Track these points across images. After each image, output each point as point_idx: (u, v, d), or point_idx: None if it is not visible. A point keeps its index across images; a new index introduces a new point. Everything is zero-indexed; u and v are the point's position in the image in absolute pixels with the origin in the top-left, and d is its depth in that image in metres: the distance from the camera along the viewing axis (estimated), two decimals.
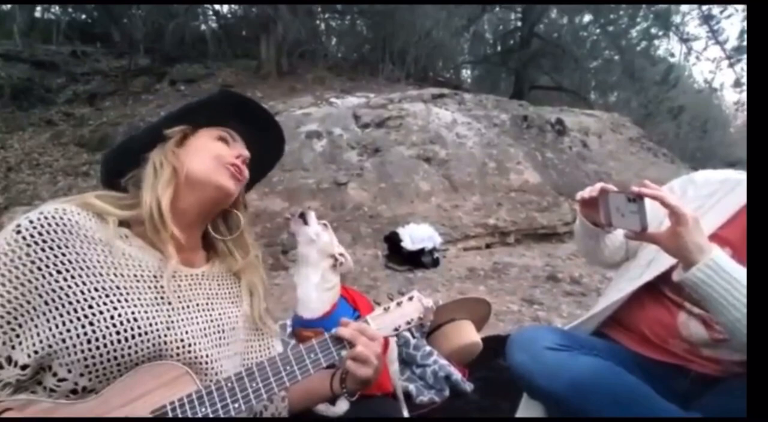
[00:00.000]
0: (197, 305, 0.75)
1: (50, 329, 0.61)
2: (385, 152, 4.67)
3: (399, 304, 0.80)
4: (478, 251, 4.20)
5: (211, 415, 0.62)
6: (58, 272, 0.63)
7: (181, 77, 6.98)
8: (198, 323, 0.73)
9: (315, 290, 1.21)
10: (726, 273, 0.80)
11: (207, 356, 0.71)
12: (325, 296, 1.22)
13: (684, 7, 9.51)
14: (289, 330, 1.54)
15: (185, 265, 0.77)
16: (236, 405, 0.64)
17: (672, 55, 11.39)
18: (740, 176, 1.03)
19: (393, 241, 3.52)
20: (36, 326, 0.61)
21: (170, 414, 0.61)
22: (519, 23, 10.67)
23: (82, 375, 0.61)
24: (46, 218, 0.65)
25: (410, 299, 0.81)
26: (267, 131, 0.90)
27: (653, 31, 9.91)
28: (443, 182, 4.56)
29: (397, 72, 8.39)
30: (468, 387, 1.45)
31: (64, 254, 0.64)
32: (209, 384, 0.66)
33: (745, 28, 8.46)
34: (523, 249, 4.29)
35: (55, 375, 0.61)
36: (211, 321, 0.76)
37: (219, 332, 0.76)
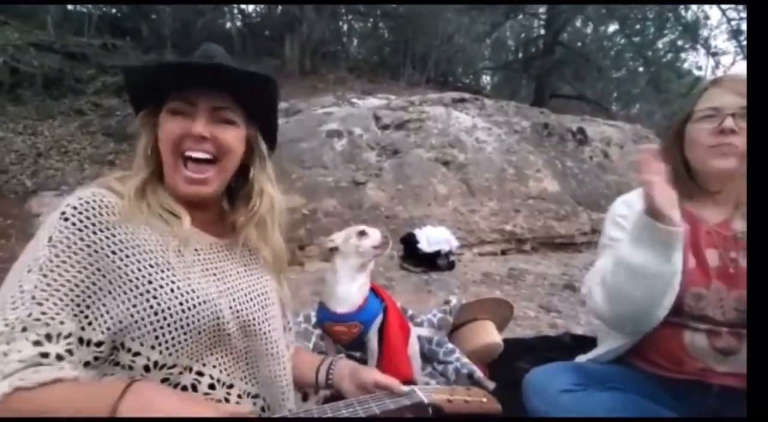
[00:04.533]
0: (237, 272, 0.79)
1: (118, 306, 0.64)
2: (404, 154, 4.68)
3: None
4: (494, 256, 4.17)
5: None
6: (113, 252, 0.65)
7: None
8: (242, 289, 0.77)
9: (353, 284, 1.24)
10: None
11: (255, 319, 0.77)
12: (361, 290, 1.26)
13: (713, 21, 9.35)
14: (313, 320, 1.56)
15: (215, 236, 0.80)
16: None
17: (699, 68, 11.19)
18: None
19: (409, 242, 3.51)
20: (104, 305, 0.63)
21: None
22: (542, 31, 10.62)
23: (153, 347, 0.65)
24: (87, 202, 0.67)
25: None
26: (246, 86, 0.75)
27: (680, 43, 9.76)
28: (461, 186, 4.55)
29: (418, 76, 8.41)
30: (490, 385, 1.45)
31: (114, 235, 0.66)
32: None
33: None
34: (539, 257, 4.25)
35: (129, 350, 0.64)
36: (251, 285, 0.80)
37: (261, 295, 0.80)
